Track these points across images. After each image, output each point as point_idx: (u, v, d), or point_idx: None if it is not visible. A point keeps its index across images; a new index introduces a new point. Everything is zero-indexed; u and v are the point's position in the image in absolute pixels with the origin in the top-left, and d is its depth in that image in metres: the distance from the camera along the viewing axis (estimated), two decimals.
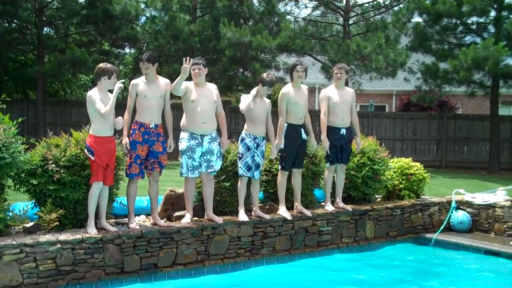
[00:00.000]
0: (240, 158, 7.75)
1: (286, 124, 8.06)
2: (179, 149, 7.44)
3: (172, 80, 7.32)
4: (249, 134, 7.80)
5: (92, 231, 6.45)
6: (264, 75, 8.01)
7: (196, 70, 7.38)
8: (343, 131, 8.52)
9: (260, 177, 7.99)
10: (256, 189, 7.98)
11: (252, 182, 7.90)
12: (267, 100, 8.00)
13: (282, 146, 7.98)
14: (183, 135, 7.44)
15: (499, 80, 20.40)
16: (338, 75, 8.59)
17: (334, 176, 8.75)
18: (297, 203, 8.31)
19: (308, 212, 8.24)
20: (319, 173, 8.71)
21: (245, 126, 7.90)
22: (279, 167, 8.16)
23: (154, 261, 6.80)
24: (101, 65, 6.72)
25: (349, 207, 8.65)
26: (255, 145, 7.79)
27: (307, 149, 8.37)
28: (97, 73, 6.64)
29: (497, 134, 20.95)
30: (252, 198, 7.99)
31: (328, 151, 8.45)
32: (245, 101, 7.75)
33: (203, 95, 7.41)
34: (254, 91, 7.84)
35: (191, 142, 7.34)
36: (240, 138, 7.88)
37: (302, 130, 8.14)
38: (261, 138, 7.89)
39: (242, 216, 7.63)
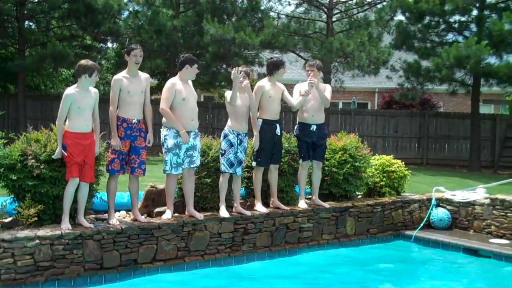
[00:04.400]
0: (222, 155, 7.75)
1: (261, 120, 8.10)
2: (165, 147, 7.39)
3: (153, 76, 7.33)
4: (233, 131, 7.80)
5: (64, 226, 6.40)
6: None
7: (196, 70, 7.55)
8: (314, 127, 8.48)
9: (242, 174, 8.00)
10: (238, 185, 7.98)
11: (234, 178, 7.90)
12: (248, 96, 7.99)
13: (258, 144, 8.01)
14: (168, 132, 7.37)
15: (480, 78, 20.61)
16: (309, 72, 8.51)
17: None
18: (273, 198, 8.33)
19: (284, 207, 8.27)
20: None
21: (228, 122, 7.90)
22: (254, 163, 8.17)
23: (134, 257, 6.76)
24: (82, 62, 6.67)
25: (326, 204, 8.65)
26: (238, 141, 7.79)
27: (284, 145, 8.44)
28: (78, 70, 6.58)
29: (477, 132, 21.17)
30: (234, 194, 7.99)
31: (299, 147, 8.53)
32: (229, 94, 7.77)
33: (190, 93, 7.46)
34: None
35: (178, 139, 7.30)
36: (223, 134, 7.86)
37: (278, 125, 8.16)
38: (244, 134, 7.90)
39: (223, 212, 7.62)
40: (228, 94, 7.88)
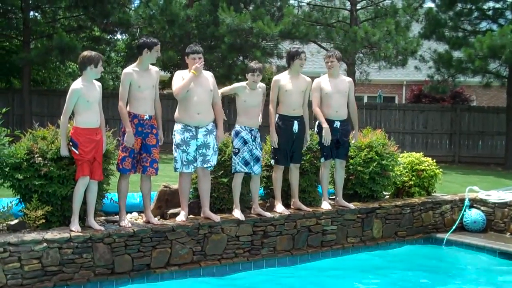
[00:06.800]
0: (236, 154, 7.70)
1: (277, 115, 8.10)
2: (174, 142, 7.43)
3: (166, 68, 7.34)
4: (244, 127, 7.78)
5: (74, 228, 6.44)
6: (251, 63, 8.05)
7: (197, 59, 7.40)
8: (337, 124, 8.45)
9: (261, 172, 7.98)
10: (257, 185, 7.95)
11: (252, 177, 7.87)
12: (260, 90, 7.97)
13: (275, 139, 8.00)
14: (177, 127, 7.42)
15: None
16: (329, 63, 8.50)
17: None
18: (294, 199, 8.32)
19: (306, 208, 8.25)
20: None
21: (238, 119, 7.88)
22: (272, 161, 8.17)
23: (146, 261, 6.79)
24: (85, 53, 6.70)
25: (351, 205, 8.62)
26: (252, 137, 7.78)
27: (310, 143, 8.43)
28: (83, 62, 6.61)
29: None
30: (252, 194, 7.97)
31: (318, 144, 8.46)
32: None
33: (198, 84, 7.38)
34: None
35: (185, 135, 7.33)
36: (234, 132, 7.82)
37: (296, 122, 8.14)
38: (257, 130, 7.89)
39: (238, 214, 7.59)
40: (240, 87, 7.91)
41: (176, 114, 7.48)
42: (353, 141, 8.72)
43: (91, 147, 6.52)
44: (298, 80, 8.19)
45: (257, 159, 7.80)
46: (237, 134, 7.78)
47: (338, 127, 8.46)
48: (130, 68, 7.16)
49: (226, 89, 7.93)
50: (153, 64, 7.35)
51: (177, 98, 7.43)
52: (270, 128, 8.05)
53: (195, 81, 7.35)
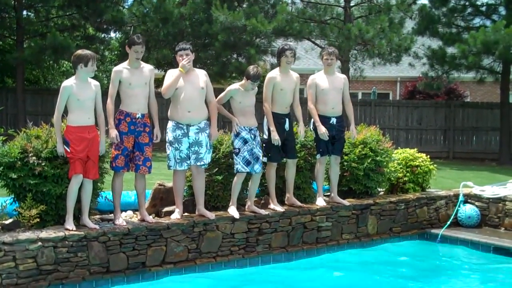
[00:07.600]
0: (237, 154, 7.68)
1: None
2: (167, 140, 7.42)
3: (160, 67, 7.32)
4: (244, 127, 7.76)
5: (69, 226, 6.43)
6: (250, 68, 7.88)
7: (184, 56, 7.36)
8: (333, 120, 8.47)
9: (261, 171, 7.92)
10: (256, 183, 7.92)
11: (252, 176, 7.84)
12: (252, 91, 7.94)
13: (277, 137, 7.98)
14: (169, 124, 7.43)
15: (510, 65, 20.47)
16: (329, 61, 8.50)
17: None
18: (288, 194, 8.32)
19: (300, 203, 8.26)
20: None
21: (236, 120, 7.88)
22: (265, 159, 8.13)
23: (142, 259, 6.79)
24: (77, 51, 6.68)
25: (346, 202, 8.63)
26: (252, 136, 7.76)
27: (302, 139, 8.46)
28: (73, 61, 6.62)
29: (507, 123, 21.03)
30: (249, 193, 7.96)
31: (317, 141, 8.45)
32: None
33: (188, 81, 7.35)
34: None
35: (176, 132, 7.32)
36: (234, 133, 7.81)
37: (287, 119, 8.13)
38: (256, 129, 7.88)
39: (233, 212, 7.59)
40: (234, 90, 7.85)
41: (169, 111, 7.48)
42: (352, 137, 8.73)
43: (83, 145, 6.50)
44: (289, 77, 8.18)
45: (257, 158, 7.77)
46: (237, 134, 7.74)
47: (335, 123, 8.47)
48: (121, 66, 7.18)
49: (221, 96, 7.90)
50: (145, 61, 7.33)
51: (165, 97, 7.44)
52: (269, 127, 8.00)
53: (184, 79, 7.33)
